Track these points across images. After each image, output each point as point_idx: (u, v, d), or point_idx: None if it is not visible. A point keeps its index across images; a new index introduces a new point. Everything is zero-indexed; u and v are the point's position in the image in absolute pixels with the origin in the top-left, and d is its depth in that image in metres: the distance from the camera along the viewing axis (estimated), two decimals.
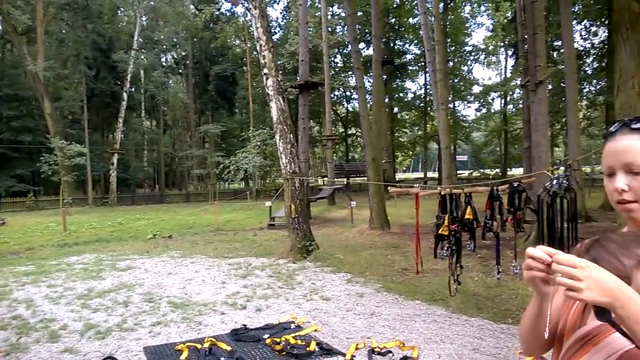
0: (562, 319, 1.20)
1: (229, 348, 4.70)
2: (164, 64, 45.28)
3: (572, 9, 19.00)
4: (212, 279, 8.12)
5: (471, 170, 54.50)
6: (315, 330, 5.24)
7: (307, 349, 4.61)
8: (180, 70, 45.69)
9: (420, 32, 21.37)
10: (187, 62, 42.60)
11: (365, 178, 16.39)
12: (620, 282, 0.95)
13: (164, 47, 43.95)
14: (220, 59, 42.40)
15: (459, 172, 40.07)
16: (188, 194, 40.07)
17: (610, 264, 1.01)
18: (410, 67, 41.51)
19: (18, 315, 6.07)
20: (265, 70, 10.15)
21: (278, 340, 4.79)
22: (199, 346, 4.75)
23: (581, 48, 25.48)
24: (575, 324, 1.15)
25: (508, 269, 6.79)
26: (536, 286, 1.09)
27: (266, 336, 4.97)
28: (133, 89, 39.40)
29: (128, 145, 41.40)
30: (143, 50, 39.47)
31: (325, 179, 22.76)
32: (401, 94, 43.16)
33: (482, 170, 50.84)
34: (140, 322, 5.73)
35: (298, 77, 20.39)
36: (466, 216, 5.74)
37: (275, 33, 38.25)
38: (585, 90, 25.45)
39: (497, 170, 43.17)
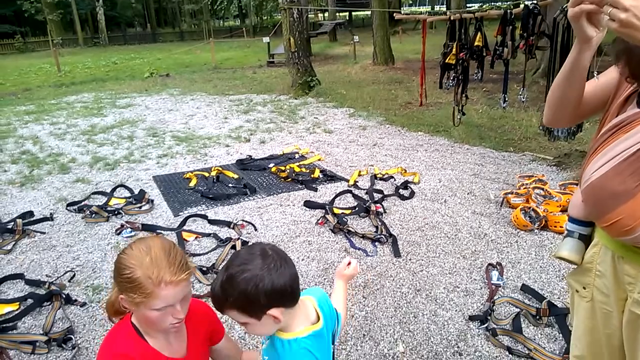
0: (607, 107, 1.16)
1: (235, 176, 4.84)
2: None
3: None
4: (214, 114, 8.10)
5: (481, 4, 51.33)
6: (319, 160, 5.34)
7: (312, 175, 4.73)
8: None
9: None
10: None
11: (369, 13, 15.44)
12: None
13: None
14: None
15: (468, 5, 37.67)
16: (182, 32, 38.43)
17: None
18: None
19: (27, 150, 6.16)
20: None
21: (283, 168, 4.90)
22: (206, 174, 4.88)
23: None
24: (614, 113, 1.12)
25: (514, 101, 6.73)
26: (580, 27, 1.05)
27: (271, 165, 5.08)
28: None
29: None
30: None
31: (326, 13, 21.49)
32: None
33: (493, 4, 47.84)
34: (147, 155, 5.83)
35: None
36: (475, 43, 5.48)
37: None
38: None
39: (509, 2, 40.57)
